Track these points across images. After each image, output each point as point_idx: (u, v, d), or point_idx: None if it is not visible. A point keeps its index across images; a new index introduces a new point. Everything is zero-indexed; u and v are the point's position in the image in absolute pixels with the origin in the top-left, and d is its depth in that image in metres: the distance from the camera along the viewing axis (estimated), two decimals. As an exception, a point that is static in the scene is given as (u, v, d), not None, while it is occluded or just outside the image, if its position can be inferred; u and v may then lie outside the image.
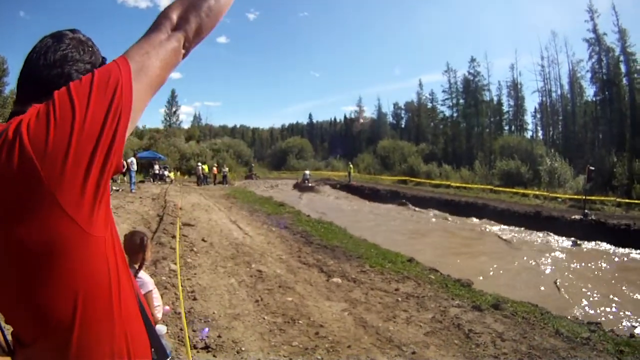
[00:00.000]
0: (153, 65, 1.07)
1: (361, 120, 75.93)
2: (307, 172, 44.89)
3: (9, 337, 1.15)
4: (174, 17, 1.14)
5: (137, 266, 3.46)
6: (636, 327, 8.51)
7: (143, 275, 3.52)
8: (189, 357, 3.46)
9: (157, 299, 3.62)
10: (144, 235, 3.63)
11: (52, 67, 1.15)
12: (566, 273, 12.66)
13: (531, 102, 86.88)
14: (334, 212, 24.53)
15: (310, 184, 40.77)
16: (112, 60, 1.09)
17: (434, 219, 23.92)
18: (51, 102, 0.95)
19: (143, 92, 1.05)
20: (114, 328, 1.04)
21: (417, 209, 27.54)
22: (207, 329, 5.46)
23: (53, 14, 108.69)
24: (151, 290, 3.48)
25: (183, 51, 1.16)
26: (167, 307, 3.97)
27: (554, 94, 52.90)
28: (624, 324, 8.69)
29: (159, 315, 3.73)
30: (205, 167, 39.34)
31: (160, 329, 1.46)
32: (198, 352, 5.16)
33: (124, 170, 1.23)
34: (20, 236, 0.91)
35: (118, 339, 1.05)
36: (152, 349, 1.20)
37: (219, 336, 5.65)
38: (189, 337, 5.18)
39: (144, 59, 1.06)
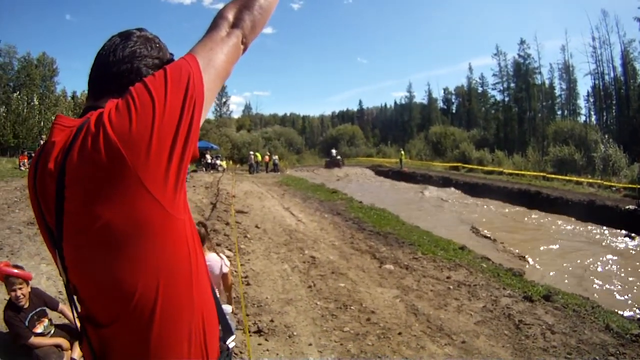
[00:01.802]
0: (219, 59, 1.15)
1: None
2: (334, 151, 53.43)
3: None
4: (230, 16, 1.24)
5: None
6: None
7: (212, 259, 3.72)
8: (247, 340, 3.58)
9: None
10: (204, 226, 3.84)
11: (121, 62, 1.21)
12: (617, 266, 12.21)
13: (584, 86, 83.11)
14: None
15: (337, 159, 48.91)
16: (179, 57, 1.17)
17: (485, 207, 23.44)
18: (129, 95, 1.02)
19: (212, 83, 1.12)
20: (193, 309, 1.11)
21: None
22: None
23: (98, 15, 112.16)
24: (226, 273, 3.65)
25: (242, 46, 1.24)
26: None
27: (606, 77, 50.15)
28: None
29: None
30: (259, 155, 39.79)
31: (227, 308, 1.56)
32: (250, 335, 5.29)
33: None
34: (110, 217, 0.97)
35: (196, 319, 1.12)
36: (220, 327, 1.28)
37: (272, 320, 5.80)
38: (245, 321, 5.34)
39: (210, 54, 1.14)
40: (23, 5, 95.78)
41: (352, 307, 6.50)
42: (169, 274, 1.05)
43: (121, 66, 1.21)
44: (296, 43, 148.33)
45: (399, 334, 5.66)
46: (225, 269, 3.74)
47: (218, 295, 1.43)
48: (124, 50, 1.23)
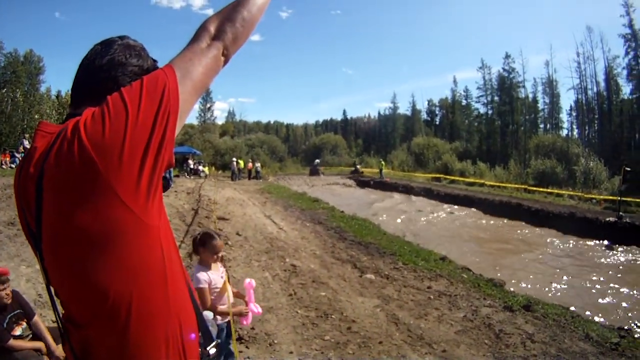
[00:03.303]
0: (196, 71, 1.16)
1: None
2: (317, 160, 55.47)
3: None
4: (212, 28, 1.24)
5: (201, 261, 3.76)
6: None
7: (201, 273, 3.73)
8: (234, 346, 3.57)
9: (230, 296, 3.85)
10: (214, 235, 3.86)
11: (99, 71, 1.25)
12: (598, 277, 12.39)
13: (567, 100, 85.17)
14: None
15: (318, 169, 50.58)
16: (161, 65, 1.20)
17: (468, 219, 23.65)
18: (105, 104, 1.05)
19: (188, 95, 1.14)
20: (169, 313, 1.13)
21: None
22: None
23: (87, 15, 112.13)
24: (200, 288, 3.63)
25: (223, 58, 1.25)
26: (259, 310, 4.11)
27: (589, 92, 51.83)
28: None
29: (245, 322, 4.07)
30: (241, 162, 39.69)
31: (207, 314, 1.55)
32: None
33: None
34: (83, 223, 1.00)
35: (173, 324, 1.14)
36: (200, 334, 1.28)
37: (252, 328, 5.76)
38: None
39: (188, 66, 1.15)
40: (12, 1, 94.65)
41: (332, 316, 6.48)
42: (143, 278, 1.08)
43: (100, 75, 1.25)
44: (283, 51, 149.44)
45: (380, 343, 5.65)
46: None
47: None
48: (102, 59, 1.26)
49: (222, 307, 3.67)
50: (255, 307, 3.94)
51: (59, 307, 1.15)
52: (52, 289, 1.15)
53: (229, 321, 3.76)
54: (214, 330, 1.67)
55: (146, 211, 1.06)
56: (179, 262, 1.22)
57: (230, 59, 1.29)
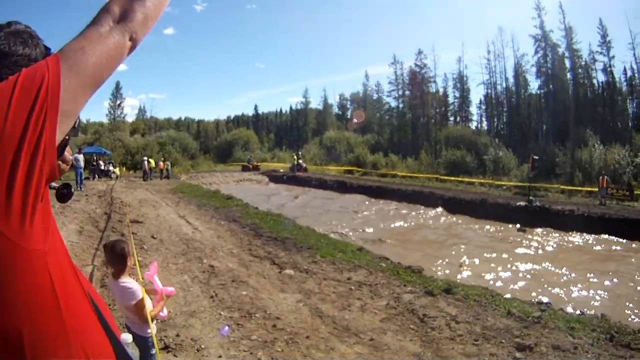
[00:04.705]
0: (89, 62, 0.98)
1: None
2: (250, 156, 57.18)
3: None
4: (116, 9, 1.06)
5: (122, 275, 3.46)
6: (585, 304, 9.05)
7: (131, 283, 3.46)
8: (158, 357, 3.42)
9: (149, 302, 3.56)
10: (124, 244, 3.58)
11: None
12: (513, 258, 13.20)
13: (476, 95, 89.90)
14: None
15: (254, 165, 51.25)
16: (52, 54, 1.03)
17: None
18: None
19: (78, 91, 0.97)
20: (69, 343, 0.97)
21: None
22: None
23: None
24: (141, 299, 3.41)
25: (129, 43, 1.07)
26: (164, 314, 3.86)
27: (499, 87, 55.64)
28: (573, 302, 9.19)
29: (163, 314, 3.75)
30: (152, 161, 38.41)
31: (125, 337, 1.45)
32: (159, 352, 5.10)
33: (66, 171, 1.12)
34: None
35: (75, 353, 0.98)
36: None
37: (177, 335, 5.60)
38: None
39: (78, 56, 0.97)
40: None
41: (256, 315, 6.43)
42: (30, 308, 0.92)
43: None
44: (195, 45, 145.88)
45: (307, 337, 5.68)
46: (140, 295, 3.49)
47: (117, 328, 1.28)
48: None
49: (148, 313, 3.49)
50: (169, 289, 3.78)
51: None
52: None
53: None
54: (135, 354, 1.57)
55: (22, 234, 0.89)
56: (79, 288, 1.07)
57: (139, 43, 1.10)
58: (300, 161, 47.57)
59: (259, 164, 52.89)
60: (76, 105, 0.98)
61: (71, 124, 1.00)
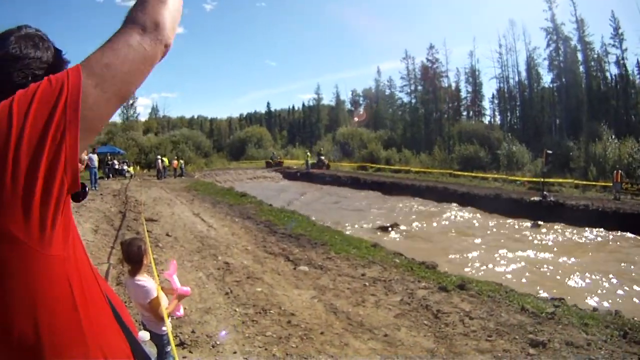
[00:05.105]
0: (116, 79, 0.97)
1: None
2: (273, 152, 57.02)
3: None
4: (143, 17, 1.04)
5: (138, 272, 3.50)
6: (599, 300, 8.99)
7: (147, 282, 3.49)
8: (174, 353, 3.46)
9: (165, 300, 3.58)
10: (140, 242, 3.61)
11: None
12: (527, 253, 13.13)
13: (489, 89, 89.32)
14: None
15: (277, 161, 51.18)
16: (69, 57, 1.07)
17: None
18: None
19: (102, 109, 0.97)
20: (87, 346, 1.00)
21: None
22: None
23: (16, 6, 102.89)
24: (156, 297, 3.43)
25: (164, 49, 1.07)
26: (180, 313, 3.88)
27: (511, 81, 55.11)
28: (588, 298, 9.12)
29: (179, 313, 3.79)
30: (166, 159, 38.62)
31: (143, 336, 1.48)
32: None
33: (81, 170, 1.11)
34: None
35: (93, 355, 1.01)
36: (135, 359, 1.17)
37: (193, 331, 5.64)
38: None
39: (104, 73, 0.96)
40: None
41: (271, 311, 6.46)
42: (49, 313, 0.94)
43: None
44: (206, 44, 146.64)
45: (322, 333, 5.70)
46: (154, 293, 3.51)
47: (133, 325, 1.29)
48: None
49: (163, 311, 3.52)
50: (185, 289, 3.80)
51: None
52: None
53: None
54: (152, 352, 1.60)
55: (43, 241, 0.91)
56: (98, 292, 1.09)
57: (168, 52, 1.08)
58: (322, 157, 46.62)
59: (282, 160, 52.92)
60: (101, 121, 0.99)
61: (94, 137, 1.02)
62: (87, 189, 1.17)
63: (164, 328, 3.47)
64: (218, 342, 5.47)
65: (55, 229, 0.93)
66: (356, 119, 68.71)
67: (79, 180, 0.97)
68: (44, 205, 0.90)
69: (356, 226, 17.67)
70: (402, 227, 17.34)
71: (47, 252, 0.92)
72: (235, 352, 5.18)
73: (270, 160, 52.40)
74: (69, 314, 0.98)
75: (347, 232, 14.29)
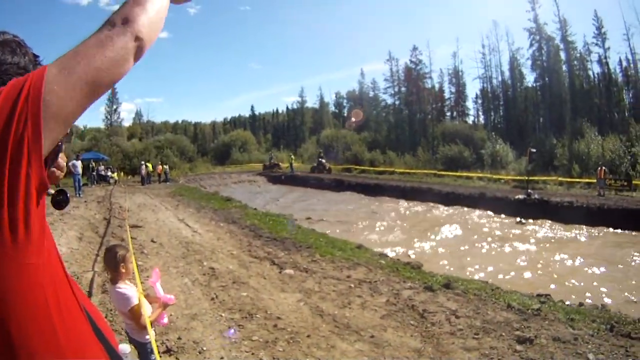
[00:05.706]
0: (80, 64, 0.94)
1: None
2: (272, 154, 55.68)
3: None
4: (116, 18, 1.02)
5: (119, 280, 3.43)
6: (585, 295, 9.08)
7: (126, 289, 3.43)
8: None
9: (148, 308, 3.52)
10: (120, 249, 3.55)
11: None
12: (512, 250, 13.24)
13: (472, 89, 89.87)
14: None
15: (274, 163, 50.38)
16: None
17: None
18: None
19: (68, 94, 0.92)
20: (64, 357, 0.96)
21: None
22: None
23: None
24: (135, 305, 3.37)
25: (135, 44, 1.02)
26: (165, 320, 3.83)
27: (494, 81, 55.61)
28: (573, 294, 9.20)
29: (164, 321, 3.75)
30: (150, 165, 38.35)
31: (123, 348, 1.45)
32: (160, 356, 5.10)
33: (61, 178, 1.08)
34: None
35: None
36: None
37: (179, 338, 5.61)
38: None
39: (68, 59, 0.94)
40: None
41: (257, 315, 6.45)
42: (22, 322, 0.90)
43: None
44: (190, 48, 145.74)
45: (308, 336, 5.71)
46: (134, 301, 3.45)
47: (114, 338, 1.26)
48: None
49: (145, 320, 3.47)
50: (168, 297, 3.75)
51: None
52: None
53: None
54: None
55: (17, 248, 0.88)
56: (74, 302, 1.06)
57: (148, 45, 1.06)
58: (323, 160, 44.28)
59: (278, 162, 52.30)
60: (69, 109, 0.94)
61: (65, 129, 0.96)
62: (68, 195, 1.15)
63: (147, 336, 3.43)
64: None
65: (29, 234, 0.90)
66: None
67: (48, 177, 0.94)
68: (12, 204, 0.86)
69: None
70: (385, 224, 17.39)
71: (21, 259, 0.88)
72: (222, 358, 5.17)
73: (268, 162, 52.03)
74: (44, 325, 0.94)
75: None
